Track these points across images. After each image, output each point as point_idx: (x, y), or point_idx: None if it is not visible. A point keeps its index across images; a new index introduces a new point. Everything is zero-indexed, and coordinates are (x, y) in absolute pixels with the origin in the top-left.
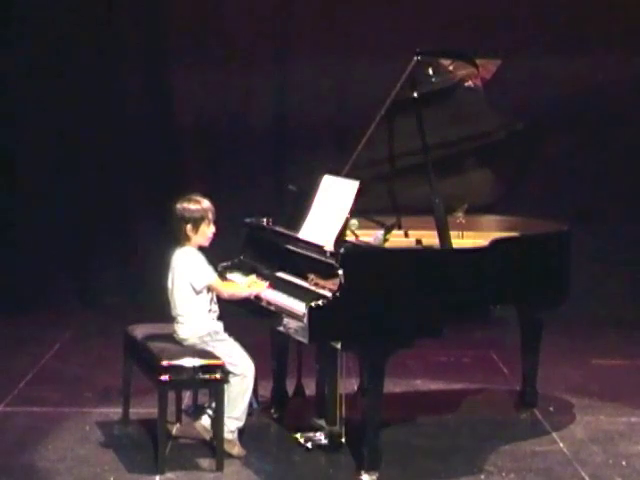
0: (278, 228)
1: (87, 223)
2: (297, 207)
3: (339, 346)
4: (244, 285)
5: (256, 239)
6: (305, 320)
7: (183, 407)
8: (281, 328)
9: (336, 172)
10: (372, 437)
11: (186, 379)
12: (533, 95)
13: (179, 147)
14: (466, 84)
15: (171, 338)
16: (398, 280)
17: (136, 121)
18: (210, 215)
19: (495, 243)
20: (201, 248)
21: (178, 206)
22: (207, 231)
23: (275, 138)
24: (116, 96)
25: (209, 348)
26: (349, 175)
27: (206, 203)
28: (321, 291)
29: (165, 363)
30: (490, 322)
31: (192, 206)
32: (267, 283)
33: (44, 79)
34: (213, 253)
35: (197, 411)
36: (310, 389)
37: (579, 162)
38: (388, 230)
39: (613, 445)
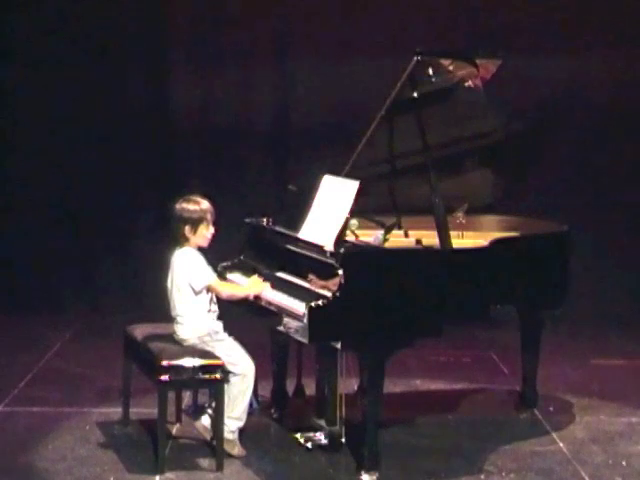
0: (278, 228)
1: (87, 223)
2: (297, 207)
3: (339, 346)
4: (245, 285)
5: (256, 239)
6: (305, 320)
7: (183, 407)
8: (281, 328)
9: (336, 172)
10: (372, 437)
11: (186, 379)
12: (533, 95)
13: (179, 147)
14: (466, 84)
15: (171, 338)
16: (398, 280)
17: (136, 121)
18: (209, 216)
19: (495, 243)
20: (200, 249)
21: (177, 206)
22: (206, 233)
23: (275, 138)
24: (116, 96)
25: (209, 348)
26: (349, 175)
27: (205, 204)
28: (321, 291)
29: (165, 363)
30: (490, 322)
31: (191, 207)
32: (269, 284)
33: (44, 79)
34: (213, 253)
35: (197, 411)
36: (310, 389)
37: (579, 162)
38: (388, 230)
39: (613, 445)
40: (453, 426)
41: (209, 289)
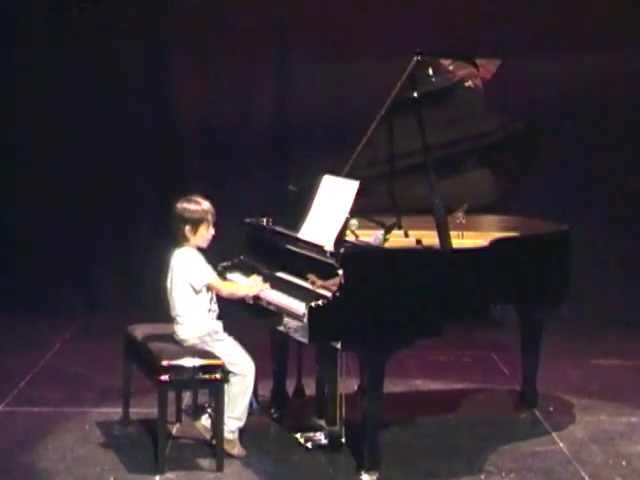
0: (278, 228)
1: (87, 223)
2: (297, 207)
3: (339, 346)
4: (245, 285)
5: (256, 239)
6: (305, 320)
7: (183, 407)
8: (281, 328)
9: (336, 172)
10: (372, 437)
11: (186, 379)
12: (533, 95)
13: (179, 147)
14: (466, 84)
15: (171, 338)
16: (398, 280)
17: (136, 121)
18: (210, 217)
19: (495, 243)
20: (200, 249)
21: (178, 206)
22: (206, 233)
23: (275, 138)
24: (116, 96)
25: (209, 348)
26: (349, 175)
27: (206, 205)
28: (321, 291)
29: (165, 363)
30: (490, 322)
31: (192, 207)
32: (268, 284)
33: (44, 79)
34: (213, 253)
35: (197, 411)
36: (310, 389)
37: (578, 162)
38: (388, 230)
39: (613, 445)
40: (453, 426)
41: (209, 287)
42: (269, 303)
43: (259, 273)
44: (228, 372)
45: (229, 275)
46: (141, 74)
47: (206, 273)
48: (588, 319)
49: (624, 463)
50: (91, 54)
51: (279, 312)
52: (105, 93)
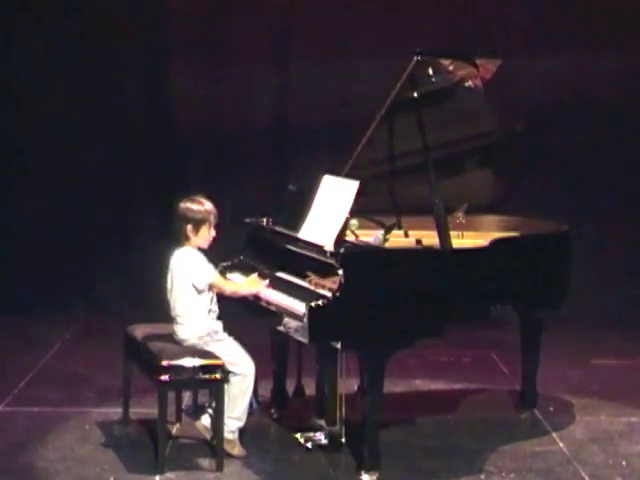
0: (278, 228)
1: (87, 223)
2: (297, 207)
3: (339, 346)
4: (245, 283)
5: (256, 239)
6: (305, 320)
7: (183, 407)
8: (281, 328)
9: (336, 172)
10: (372, 437)
11: (186, 379)
12: (533, 95)
13: (179, 147)
14: (466, 84)
15: (171, 338)
16: (398, 280)
17: (136, 121)
18: (212, 218)
19: (495, 243)
20: (200, 249)
21: (181, 205)
22: (207, 234)
23: (275, 138)
24: (116, 96)
25: (209, 348)
26: (349, 175)
27: (209, 205)
28: (321, 291)
29: (165, 363)
30: (490, 322)
31: (195, 207)
32: (267, 281)
33: (44, 79)
34: (213, 253)
35: (197, 411)
36: (310, 389)
37: (579, 162)
38: (388, 230)
39: (613, 445)
40: (453, 426)
41: (212, 286)
42: (269, 303)
43: (259, 273)
44: (228, 372)
45: (229, 275)
46: (141, 74)
47: (208, 272)
48: (588, 319)
49: (624, 463)
50: (91, 55)
51: (279, 312)
52: (105, 94)
